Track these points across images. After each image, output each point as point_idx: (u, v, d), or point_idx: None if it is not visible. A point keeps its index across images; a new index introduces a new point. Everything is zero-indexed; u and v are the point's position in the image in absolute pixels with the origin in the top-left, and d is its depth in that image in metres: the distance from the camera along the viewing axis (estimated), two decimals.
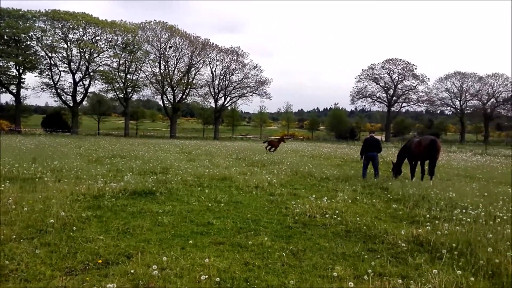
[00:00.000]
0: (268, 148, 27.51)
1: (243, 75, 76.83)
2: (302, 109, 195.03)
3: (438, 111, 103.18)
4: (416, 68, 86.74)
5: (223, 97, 78.61)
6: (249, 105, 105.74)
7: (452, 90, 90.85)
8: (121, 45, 65.65)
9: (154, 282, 4.56)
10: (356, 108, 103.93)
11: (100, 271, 4.88)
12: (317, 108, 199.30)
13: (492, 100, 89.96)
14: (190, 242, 6.14)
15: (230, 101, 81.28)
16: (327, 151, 31.54)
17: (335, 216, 7.96)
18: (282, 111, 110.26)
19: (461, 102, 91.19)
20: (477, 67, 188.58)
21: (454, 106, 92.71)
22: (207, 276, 4.66)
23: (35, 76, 69.08)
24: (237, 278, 4.85)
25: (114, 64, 66.50)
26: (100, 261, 5.19)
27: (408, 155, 14.22)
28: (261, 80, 77.09)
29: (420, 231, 6.74)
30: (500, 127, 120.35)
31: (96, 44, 63.82)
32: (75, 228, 6.54)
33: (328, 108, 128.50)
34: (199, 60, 72.99)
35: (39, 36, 59.38)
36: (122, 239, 6.24)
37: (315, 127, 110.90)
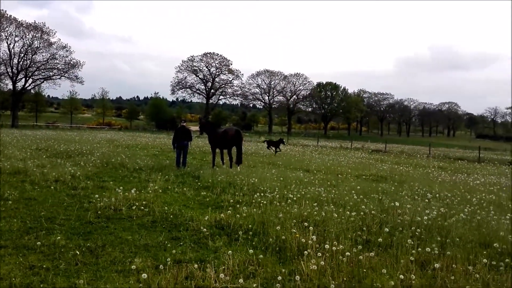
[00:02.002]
0: (272, 148, 25.84)
1: (49, 55, 67.66)
2: (120, 97, 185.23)
3: (251, 105, 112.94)
4: (231, 64, 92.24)
5: (24, 79, 68.03)
6: (57, 89, 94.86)
7: (262, 86, 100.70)
8: None
9: None
10: (177, 99, 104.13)
11: None
12: (137, 96, 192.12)
13: (294, 96, 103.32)
14: None
15: (33, 84, 71.12)
16: (145, 141, 30.78)
17: (143, 207, 7.76)
18: (98, 98, 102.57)
19: (270, 97, 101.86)
20: (282, 67, 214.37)
21: (263, 100, 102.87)
22: None
23: None
24: (17, 285, 4.20)
25: None
26: None
27: (216, 144, 15.01)
28: (71, 63, 69.39)
29: (223, 215, 7.14)
30: (300, 120, 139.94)
31: None
32: None
33: (148, 97, 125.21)
34: None
35: None
36: None
37: (135, 116, 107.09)
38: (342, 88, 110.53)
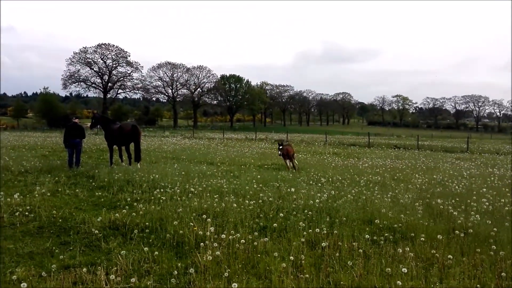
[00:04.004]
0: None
1: None
2: (5, 94, 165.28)
3: (154, 99, 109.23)
4: (129, 55, 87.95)
5: None
6: None
7: (165, 79, 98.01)
8: None
9: None
10: (71, 93, 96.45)
11: None
12: (25, 92, 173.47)
13: (198, 89, 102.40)
14: None
15: None
16: (33, 141, 28.10)
17: (28, 213, 7.11)
18: None
19: (173, 90, 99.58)
20: (184, 59, 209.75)
21: (167, 94, 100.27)
22: None
23: None
24: None
25: None
26: None
27: (112, 141, 14.25)
28: None
29: (118, 215, 6.83)
30: (206, 113, 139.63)
31: None
32: None
33: (37, 93, 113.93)
34: None
35: None
36: None
37: (22, 114, 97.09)
38: (245, 80, 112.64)
